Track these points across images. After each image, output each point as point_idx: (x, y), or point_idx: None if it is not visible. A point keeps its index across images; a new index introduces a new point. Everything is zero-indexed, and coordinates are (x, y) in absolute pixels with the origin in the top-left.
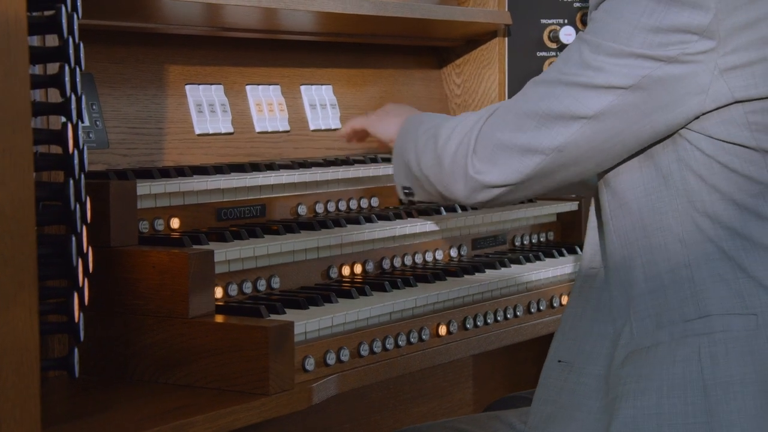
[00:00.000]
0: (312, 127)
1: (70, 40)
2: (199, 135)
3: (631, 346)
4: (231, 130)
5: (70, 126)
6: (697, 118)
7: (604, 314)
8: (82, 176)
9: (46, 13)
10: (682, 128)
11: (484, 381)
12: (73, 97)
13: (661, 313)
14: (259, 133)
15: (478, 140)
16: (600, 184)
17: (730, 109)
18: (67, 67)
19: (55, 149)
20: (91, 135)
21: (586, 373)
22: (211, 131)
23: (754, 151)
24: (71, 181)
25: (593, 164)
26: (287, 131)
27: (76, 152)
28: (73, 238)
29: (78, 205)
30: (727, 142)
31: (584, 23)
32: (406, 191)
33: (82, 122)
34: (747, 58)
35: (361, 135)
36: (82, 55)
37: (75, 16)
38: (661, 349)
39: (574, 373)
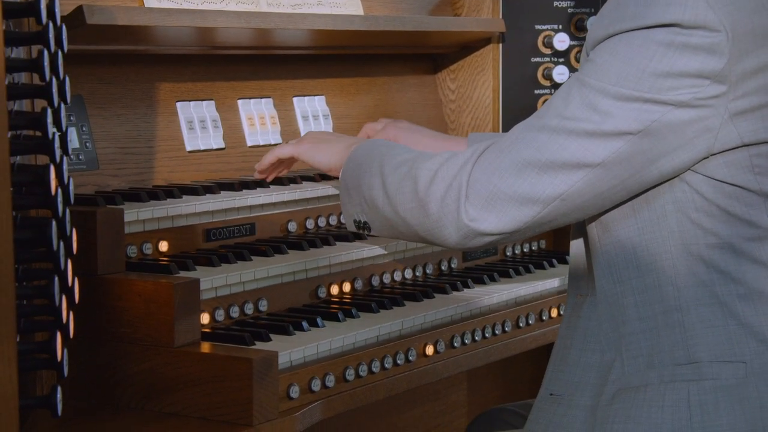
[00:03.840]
0: None
1: (53, 79)
2: (190, 152)
3: (621, 383)
4: (222, 145)
5: (53, 167)
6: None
7: (591, 344)
8: (67, 211)
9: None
10: (686, 171)
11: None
12: (57, 135)
13: (653, 354)
14: (250, 147)
15: (470, 186)
16: (589, 219)
17: (735, 152)
18: (49, 109)
19: None
20: (81, 156)
21: (574, 405)
22: (202, 147)
23: (755, 194)
24: (54, 223)
25: (593, 210)
26: (279, 144)
27: (60, 190)
28: (56, 278)
29: (62, 243)
30: (729, 184)
31: (578, 28)
32: (361, 225)
33: (68, 155)
34: (757, 101)
35: (287, 164)
36: (67, 89)
37: (60, 52)
38: (650, 390)
39: (563, 405)
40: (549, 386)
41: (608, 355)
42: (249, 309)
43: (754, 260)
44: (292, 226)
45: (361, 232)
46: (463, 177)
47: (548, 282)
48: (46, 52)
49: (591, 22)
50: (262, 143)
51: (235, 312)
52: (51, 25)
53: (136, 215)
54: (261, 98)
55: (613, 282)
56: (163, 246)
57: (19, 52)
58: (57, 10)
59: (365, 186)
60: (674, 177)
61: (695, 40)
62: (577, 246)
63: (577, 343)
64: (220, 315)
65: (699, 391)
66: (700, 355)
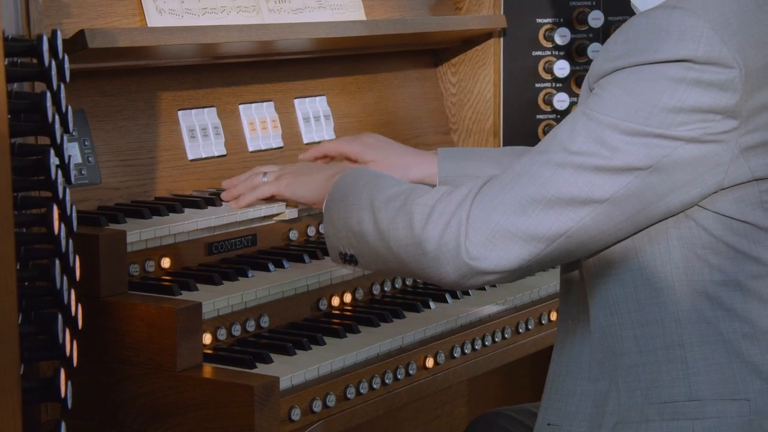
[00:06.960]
0: (306, 141)
1: (56, 115)
2: (192, 160)
3: (618, 415)
4: (224, 152)
5: (55, 207)
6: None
7: (584, 371)
8: (71, 242)
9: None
10: (694, 206)
11: None
12: (59, 170)
13: (651, 388)
14: (252, 152)
15: (470, 223)
16: None
17: (745, 187)
18: (51, 150)
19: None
20: (83, 171)
21: None
22: (204, 155)
23: (763, 231)
24: (57, 261)
25: (597, 247)
26: (280, 147)
27: (62, 225)
28: (60, 315)
29: (65, 276)
30: (738, 220)
31: (580, 22)
32: (347, 258)
33: (70, 183)
34: None
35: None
36: (69, 118)
37: (62, 84)
38: (652, 427)
39: None
40: (546, 415)
41: (602, 384)
42: (251, 326)
43: (760, 298)
44: (294, 235)
45: (347, 266)
46: (462, 214)
47: (550, 287)
48: (48, 93)
49: (594, 53)
50: (263, 147)
51: (236, 330)
52: (53, 63)
53: (138, 236)
54: (262, 102)
55: (610, 314)
56: (166, 263)
57: (22, 85)
58: (59, 45)
59: (354, 220)
60: (681, 212)
61: (708, 77)
62: (567, 272)
63: (571, 371)
64: (222, 334)
65: (703, 429)
66: (702, 393)
